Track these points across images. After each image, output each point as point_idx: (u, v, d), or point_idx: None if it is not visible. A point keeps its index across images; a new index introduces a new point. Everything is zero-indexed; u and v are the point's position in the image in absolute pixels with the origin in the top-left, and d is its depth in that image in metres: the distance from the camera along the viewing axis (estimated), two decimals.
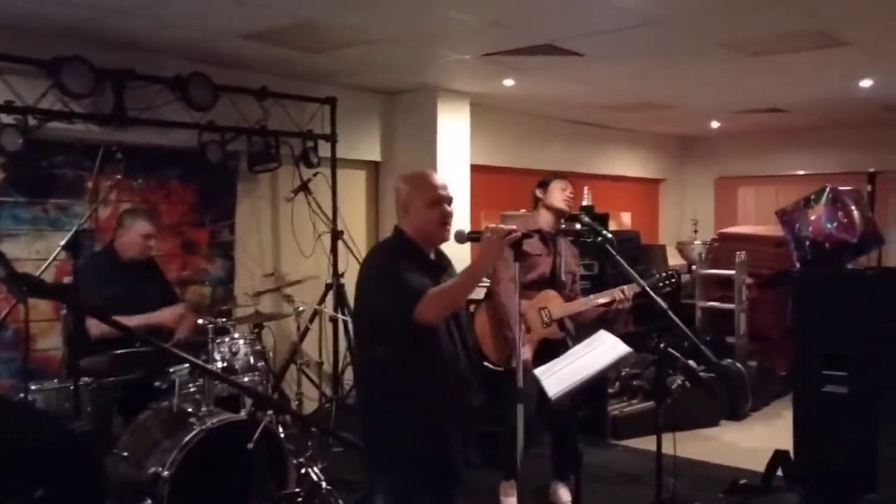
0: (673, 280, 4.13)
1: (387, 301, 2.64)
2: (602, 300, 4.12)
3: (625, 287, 4.02)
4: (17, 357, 4.49)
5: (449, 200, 2.81)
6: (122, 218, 4.25)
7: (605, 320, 4.22)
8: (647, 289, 3.80)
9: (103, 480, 3.04)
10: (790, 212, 4.22)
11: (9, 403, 3.77)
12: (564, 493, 4.36)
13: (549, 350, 4.03)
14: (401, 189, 2.84)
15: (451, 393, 2.75)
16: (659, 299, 3.70)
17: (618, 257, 3.82)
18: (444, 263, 2.87)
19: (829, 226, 4.00)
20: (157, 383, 3.88)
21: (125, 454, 3.55)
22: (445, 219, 2.79)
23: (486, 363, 4.25)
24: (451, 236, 2.82)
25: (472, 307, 5.07)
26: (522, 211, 6.15)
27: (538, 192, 4.35)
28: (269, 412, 3.54)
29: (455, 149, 6.55)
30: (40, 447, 1.74)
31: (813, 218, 4.08)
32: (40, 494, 1.63)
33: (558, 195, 4.26)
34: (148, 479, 3.39)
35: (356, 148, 6.37)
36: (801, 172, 9.23)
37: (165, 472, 3.35)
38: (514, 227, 2.67)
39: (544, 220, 4.33)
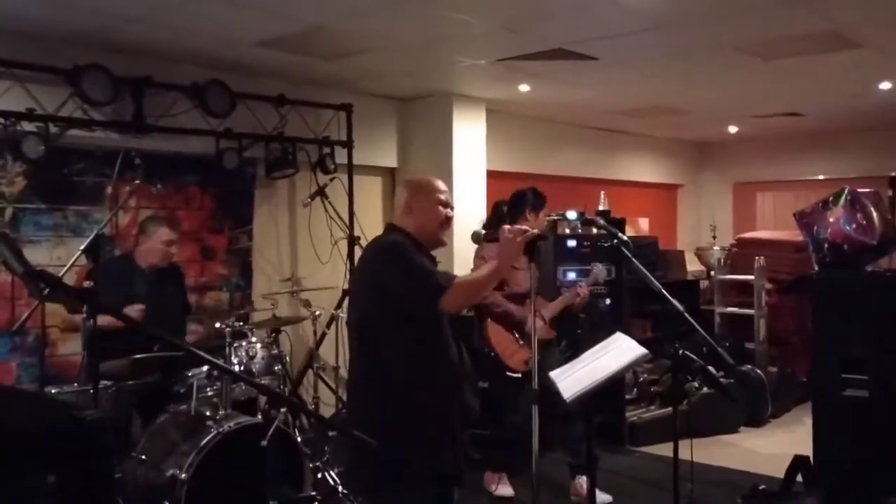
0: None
1: (410, 286, 2.64)
2: (569, 299, 4.48)
3: (582, 283, 4.52)
4: (38, 362, 4.53)
5: (451, 206, 2.87)
6: (145, 225, 4.31)
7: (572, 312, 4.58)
8: (664, 293, 3.79)
9: (113, 466, 3.08)
10: (808, 214, 4.18)
11: (22, 393, 3.83)
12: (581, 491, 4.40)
13: (545, 349, 4.26)
14: (404, 191, 2.88)
15: (455, 389, 2.76)
16: (675, 301, 3.69)
17: (633, 259, 3.81)
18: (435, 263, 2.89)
19: (847, 228, 3.95)
20: (175, 387, 3.91)
21: (143, 457, 3.59)
22: (448, 221, 2.84)
23: (507, 373, 4.43)
24: (452, 240, 2.87)
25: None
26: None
27: (528, 214, 4.44)
28: (283, 410, 3.55)
29: (471, 155, 6.56)
30: (52, 434, 1.77)
31: (831, 220, 4.03)
32: (52, 480, 1.65)
33: (542, 222, 4.45)
34: (166, 481, 3.42)
35: (372, 154, 6.40)
36: (821, 177, 9.15)
37: (183, 475, 3.38)
38: (526, 228, 2.69)
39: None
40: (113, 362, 3.78)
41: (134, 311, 4.03)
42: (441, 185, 2.88)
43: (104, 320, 3.66)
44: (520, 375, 4.38)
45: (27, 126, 4.35)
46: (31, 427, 1.76)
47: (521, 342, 4.40)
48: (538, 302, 4.41)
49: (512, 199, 4.60)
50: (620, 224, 6.02)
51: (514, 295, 4.41)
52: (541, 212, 4.47)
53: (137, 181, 4.37)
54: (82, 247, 3.72)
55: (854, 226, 3.95)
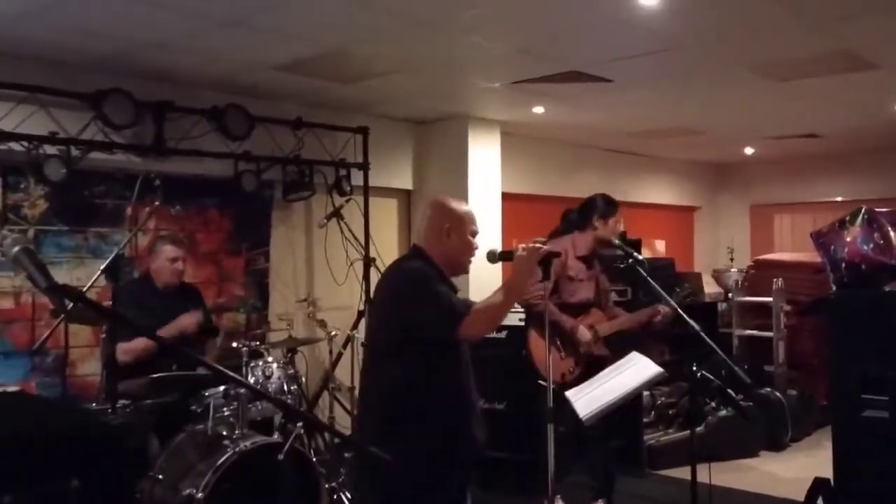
0: (691, 295, 4.29)
1: (429, 314, 2.64)
2: (644, 316, 4.30)
3: (663, 306, 4.20)
4: (58, 382, 4.57)
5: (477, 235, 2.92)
6: (153, 245, 4.42)
7: (644, 333, 4.46)
8: (679, 310, 3.80)
9: (136, 471, 3.09)
10: (825, 233, 4.15)
11: (47, 401, 3.86)
12: None
13: (596, 367, 4.07)
14: (441, 214, 2.84)
15: (464, 417, 2.76)
16: (692, 322, 3.69)
17: (649, 279, 3.82)
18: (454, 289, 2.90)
19: (865, 247, 3.92)
20: (192, 407, 3.93)
21: (160, 477, 3.60)
22: (474, 253, 2.89)
23: (541, 381, 4.21)
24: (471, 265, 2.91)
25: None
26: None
27: (596, 221, 4.32)
28: (299, 425, 3.56)
29: (486, 177, 6.59)
30: (77, 439, 1.79)
31: (848, 240, 4.00)
32: (76, 484, 1.67)
33: (613, 230, 4.32)
34: (182, 501, 3.42)
35: (388, 176, 6.46)
36: (839, 199, 9.10)
37: (199, 494, 3.38)
38: (540, 245, 2.70)
39: (584, 243, 4.34)
40: (131, 382, 3.82)
41: (192, 317, 4.17)
42: (474, 213, 2.92)
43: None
44: (554, 386, 4.26)
45: (49, 149, 4.43)
46: (57, 432, 1.79)
47: (563, 354, 4.27)
48: (595, 315, 4.38)
49: (581, 206, 4.46)
50: (636, 245, 6.03)
51: (566, 305, 4.28)
52: (610, 219, 4.31)
53: (157, 203, 4.44)
54: (102, 267, 3.77)
55: (871, 245, 3.92)
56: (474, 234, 2.87)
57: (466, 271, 2.90)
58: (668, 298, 3.70)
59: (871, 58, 4.73)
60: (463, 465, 2.80)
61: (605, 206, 4.35)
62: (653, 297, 4.16)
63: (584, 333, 4.26)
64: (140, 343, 3.89)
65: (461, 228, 2.82)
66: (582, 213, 4.44)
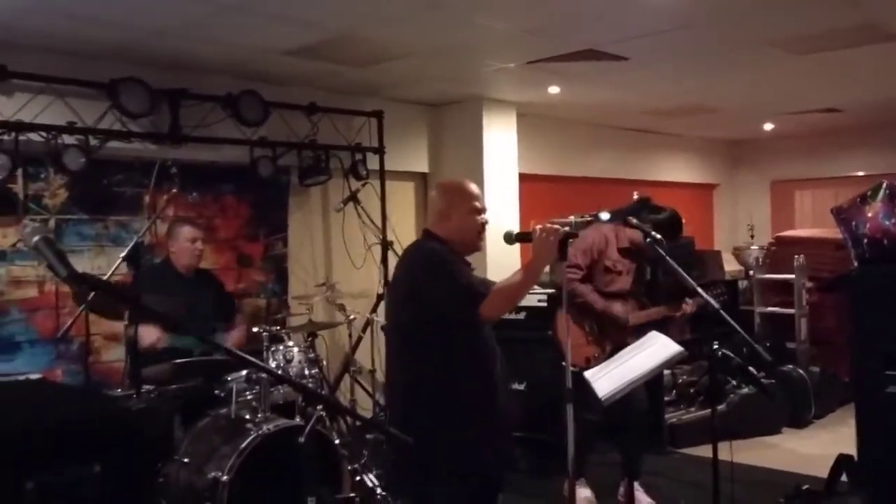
0: (723, 296, 4.17)
1: (448, 293, 2.68)
2: (669, 312, 4.31)
3: (689, 300, 4.22)
4: (82, 368, 4.63)
5: (485, 210, 2.91)
6: (170, 228, 4.45)
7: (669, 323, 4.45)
8: (700, 291, 3.76)
9: (157, 456, 3.14)
10: (846, 209, 4.11)
11: (66, 387, 3.93)
12: (642, 497, 4.35)
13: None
14: (440, 196, 2.91)
15: (495, 393, 2.78)
16: (712, 300, 3.66)
17: (668, 259, 3.79)
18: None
19: (886, 222, 3.88)
20: (215, 391, 3.97)
21: (186, 460, 3.65)
22: (484, 228, 2.90)
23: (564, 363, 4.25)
24: (486, 243, 2.90)
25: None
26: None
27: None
28: (320, 407, 3.59)
29: (502, 158, 6.57)
30: (97, 425, 1.82)
31: (870, 215, 3.96)
32: (98, 470, 1.70)
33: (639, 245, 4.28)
34: (208, 483, 3.47)
35: (404, 160, 6.45)
36: (861, 173, 8.99)
37: (224, 477, 3.42)
38: (558, 226, 2.70)
39: (627, 235, 4.31)
40: (155, 367, 3.86)
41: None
42: (475, 189, 2.93)
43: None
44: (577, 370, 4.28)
45: (68, 139, 4.47)
46: (77, 419, 1.82)
47: (590, 338, 4.27)
48: (630, 304, 4.36)
49: (654, 206, 4.47)
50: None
51: (601, 293, 4.29)
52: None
53: (174, 190, 4.47)
54: (122, 254, 3.81)
55: (893, 220, 3.88)
56: (477, 209, 2.87)
57: (478, 248, 2.91)
58: (688, 278, 3.67)
59: (891, 29, 4.65)
60: (495, 441, 2.81)
61: (670, 228, 4.26)
62: (671, 275, 4.13)
63: (618, 308, 4.26)
64: (153, 334, 3.94)
65: (460, 204, 2.85)
66: (639, 213, 4.39)
